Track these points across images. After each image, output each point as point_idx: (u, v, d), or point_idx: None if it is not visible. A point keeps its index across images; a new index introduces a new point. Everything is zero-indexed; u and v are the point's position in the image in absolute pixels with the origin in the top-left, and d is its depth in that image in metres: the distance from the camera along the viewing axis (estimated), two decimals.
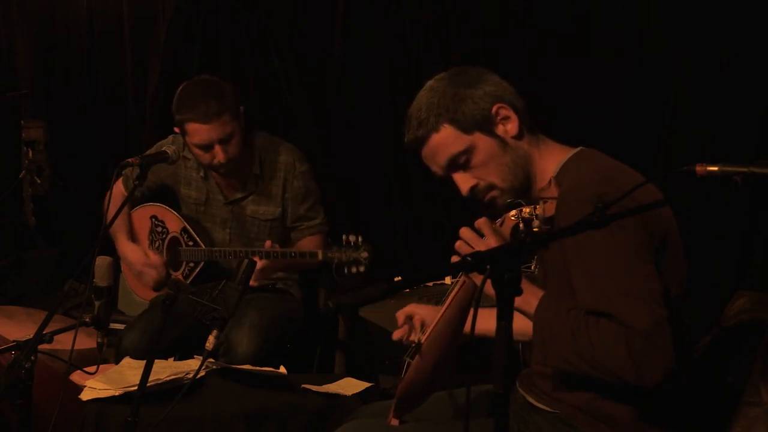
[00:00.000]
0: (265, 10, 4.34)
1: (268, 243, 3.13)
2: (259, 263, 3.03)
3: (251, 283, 3.06)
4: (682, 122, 3.33)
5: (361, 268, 2.96)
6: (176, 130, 3.24)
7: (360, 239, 2.97)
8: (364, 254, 2.96)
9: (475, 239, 1.90)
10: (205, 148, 3.16)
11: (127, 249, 3.42)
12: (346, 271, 2.96)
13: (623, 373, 1.79)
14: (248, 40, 4.41)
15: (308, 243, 3.34)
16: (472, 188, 2.08)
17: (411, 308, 2.30)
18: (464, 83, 2.07)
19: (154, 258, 3.36)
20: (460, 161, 2.07)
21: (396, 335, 2.27)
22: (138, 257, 3.38)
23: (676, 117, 3.35)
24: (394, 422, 2.11)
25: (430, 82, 2.11)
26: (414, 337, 2.23)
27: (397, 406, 2.09)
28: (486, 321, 2.11)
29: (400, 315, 2.29)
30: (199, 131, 3.12)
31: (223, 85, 3.21)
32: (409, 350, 2.22)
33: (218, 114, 3.11)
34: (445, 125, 2.05)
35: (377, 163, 4.14)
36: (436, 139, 2.06)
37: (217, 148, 3.15)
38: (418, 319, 2.27)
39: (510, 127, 2.07)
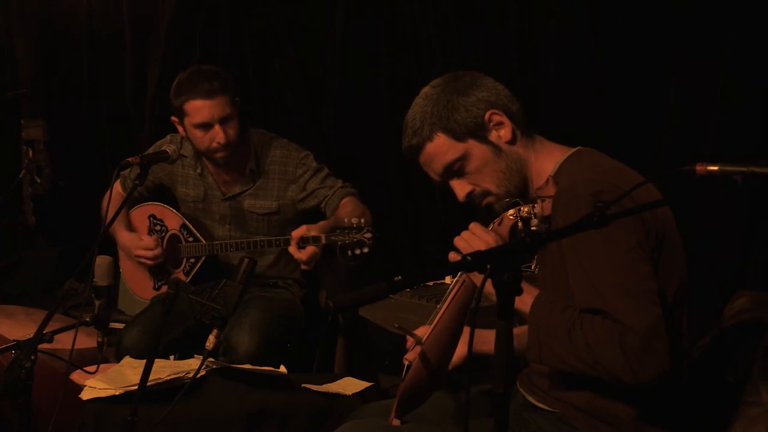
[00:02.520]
0: (265, 11, 4.34)
1: (303, 228, 3.01)
2: (306, 253, 2.97)
3: (304, 267, 3.04)
4: (682, 122, 3.33)
5: (365, 249, 2.94)
6: (174, 119, 3.24)
7: (362, 221, 2.95)
8: (368, 235, 2.94)
9: (474, 240, 1.92)
10: (206, 127, 3.16)
11: (124, 237, 3.45)
12: (350, 253, 2.95)
13: (618, 372, 1.79)
14: (248, 40, 4.41)
15: (347, 204, 3.22)
16: (468, 194, 2.11)
17: (422, 330, 2.26)
18: (457, 90, 2.08)
19: (147, 239, 3.40)
20: (455, 168, 2.09)
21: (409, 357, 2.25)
22: (132, 241, 3.41)
23: (676, 117, 3.35)
24: (395, 423, 2.10)
25: (425, 89, 2.13)
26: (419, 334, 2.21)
27: (398, 406, 2.09)
28: (485, 341, 2.13)
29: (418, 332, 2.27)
30: (201, 108, 3.13)
31: (221, 71, 3.24)
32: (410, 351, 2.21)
33: (219, 92, 3.14)
34: (438, 134, 2.07)
35: (377, 163, 4.14)
36: (430, 147, 2.08)
37: (217, 128, 3.16)
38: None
39: (503, 133, 2.08)
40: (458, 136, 2.06)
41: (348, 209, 3.16)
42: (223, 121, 3.16)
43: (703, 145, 3.25)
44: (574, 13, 3.59)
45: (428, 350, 2.03)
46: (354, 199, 3.27)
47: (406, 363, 2.15)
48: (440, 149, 2.07)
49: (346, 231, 2.95)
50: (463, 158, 2.07)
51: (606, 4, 3.50)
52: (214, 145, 3.19)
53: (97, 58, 4.86)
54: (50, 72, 4.98)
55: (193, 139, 3.23)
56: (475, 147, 2.07)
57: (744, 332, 2.16)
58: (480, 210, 2.12)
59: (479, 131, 2.06)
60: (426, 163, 2.12)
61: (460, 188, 2.10)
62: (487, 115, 2.07)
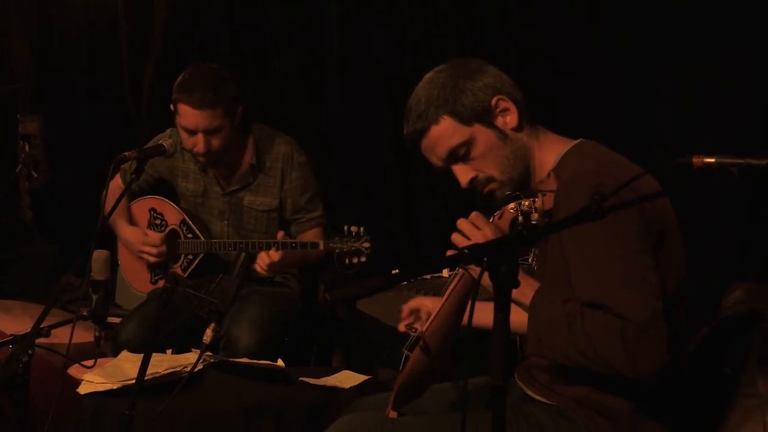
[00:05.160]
0: (265, 11, 4.34)
1: (280, 234, 3.11)
2: (276, 254, 3.02)
3: (264, 272, 3.08)
4: (682, 122, 3.33)
5: (363, 259, 2.98)
6: (172, 107, 3.24)
7: (362, 230, 2.99)
8: (366, 244, 2.98)
9: (472, 231, 1.91)
10: (189, 133, 3.17)
11: (127, 231, 3.44)
12: (347, 261, 2.98)
13: (618, 365, 1.79)
14: (248, 40, 4.41)
15: (309, 236, 3.34)
16: (471, 180, 2.09)
17: (417, 301, 2.30)
18: (464, 75, 2.07)
19: (153, 235, 3.38)
20: (460, 153, 2.07)
21: (402, 327, 2.26)
22: (137, 237, 3.40)
23: (676, 117, 3.35)
24: (393, 415, 2.10)
25: (429, 74, 2.12)
26: (419, 327, 2.23)
27: (396, 398, 2.09)
28: (485, 313, 2.12)
29: (406, 308, 2.29)
30: (188, 115, 3.13)
31: (227, 80, 3.20)
32: (408, 342, 2.22)
33: (211, 105, 3.11)
34: (444, 117, 2.05)
35: (377, 159, 4.15)
36: (435, 131, 2.06)
37: (200, 137, 3.15)
38: (425, 311, 2.27)
39: (509, 119, 2.07)
40: (464, 119, 2.05)
41: (308, 239, 3.27)
42: (208, 132, 3.15)
43: (703, 144, 3.25)
44: (574, 12, 3.60)
45: (429, 341, 2.03)
46: (320, 231, 3.34)
47: (405, 354, 2.16)
48: (445, 133, 2.05)
49: (345, 239, 2.97)
50: (468, 143, 2.06)
51: (606, 4, 3.51)
52: (194, 150, 3.20)
53: (95, 55, 4.86)
54: (47, 69, 4.98)
55: (180, 135, 3.24)
56: (480, 132, 2.05)
57: (740, 324, 2.16)
58: (480, 200, 2.11)
59: (486, 116, 2.05)
60: (429, 148, 2.10)
61: (463, 174, 2.08)
62: (493, 101, 2.06)
